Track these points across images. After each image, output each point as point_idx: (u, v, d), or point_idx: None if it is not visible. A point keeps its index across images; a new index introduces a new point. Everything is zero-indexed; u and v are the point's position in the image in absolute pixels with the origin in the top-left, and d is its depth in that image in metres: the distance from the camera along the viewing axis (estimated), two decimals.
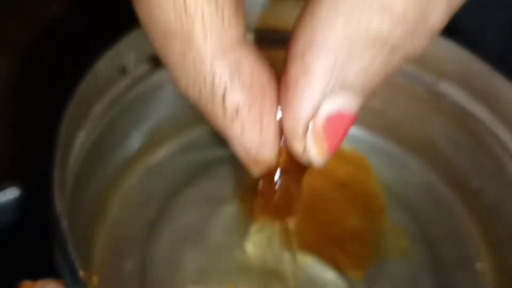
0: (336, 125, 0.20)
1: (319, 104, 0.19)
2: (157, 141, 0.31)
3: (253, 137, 0.21)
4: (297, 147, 0.21)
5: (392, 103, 0.34)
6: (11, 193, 0.33)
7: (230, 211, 0.31)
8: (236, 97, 0.20)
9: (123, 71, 0.28)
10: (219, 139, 0.33)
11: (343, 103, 0.20)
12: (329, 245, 0.31)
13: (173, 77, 0.20)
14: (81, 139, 0.26)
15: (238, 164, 0.32)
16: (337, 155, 0.34)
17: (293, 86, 0.20)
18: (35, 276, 0.24)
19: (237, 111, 0.20)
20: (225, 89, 0.20)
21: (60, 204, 0.21)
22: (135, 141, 0.31)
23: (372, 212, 0.33)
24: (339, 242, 0.31)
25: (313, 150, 0.21)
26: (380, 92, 0.33)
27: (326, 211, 0.33)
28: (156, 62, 0.29)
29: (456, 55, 0.31)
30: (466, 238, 0.32)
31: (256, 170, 0.22)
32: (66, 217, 0.22)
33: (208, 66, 0.19)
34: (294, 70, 0.20)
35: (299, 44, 0.19)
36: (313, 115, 0.20)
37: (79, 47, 0.27)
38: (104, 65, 0.26)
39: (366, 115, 0.34)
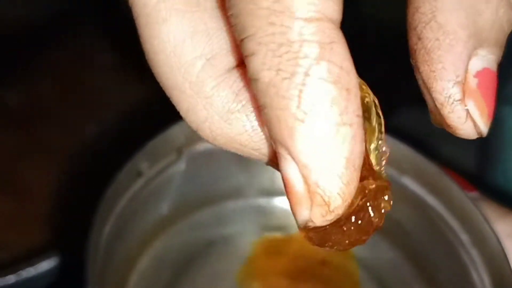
0: (487, 83, 0.19)
1: (467, 64, 0.18)
2: (166, 223, 0.38)
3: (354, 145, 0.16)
4: (456, 117, 0.18)
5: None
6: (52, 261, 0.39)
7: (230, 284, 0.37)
8: (320, 87, 0.15)
9: (139, 174, 0.34)
10: (221, 219, 0.40)
11: (486, 58, 0.19)
12: None
13: (248, 48, 0.16)
14: (107, 232, 0.32)
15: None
16: None
17: (437, 51, 0.18)
18: None
19: (313, 106, 0.16)
20: (307, 72, 0.15)
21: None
22: (148, 225, 0.37)
23: (348, 285, 0.38)
24: None
25: (476, 112, 0.19)
26: None
27: (310, 284, 0.38)
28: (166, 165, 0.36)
29: (412, 156, 0.36)
30: None
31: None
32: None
33: (296, 28, 0.15)
34: (431, 35, 0.18)
35: (426, 8, 0.18)
36: (464, 77, 0.18)
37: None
38: (124, 174, 0.33)
39: None
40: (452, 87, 0.18)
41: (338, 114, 0.15)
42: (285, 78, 0.15)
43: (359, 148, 0.16)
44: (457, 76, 0.18)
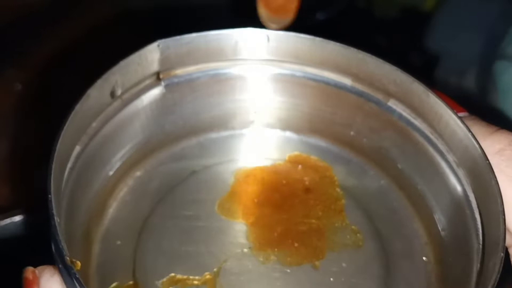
0: None
1: None
2: (146, 153, 0.35)
3: None
4: None
5: (352, 120, 0.38)
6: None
7: (209, 211, 0.35)
8: None
9: (112, 94, 0.32)
10: (204, 150, 0.38)
11: None
12: (292, 239, 0.35)
13: None
14: (77, 152, 0.30)
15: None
16: (304, 164, 0.38)
17: None
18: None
19: None
20: None
21: (53, 204, 0.25)
22: (127, 152, 0.34)
23: (332, 212, 0.36)
24: (302, 237, 0.35)
25: None
26: (341, 108, 0.37)
27: (293, 212, 0.36)
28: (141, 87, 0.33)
29: (399, 77, 0.34)
30: (413, 234, 0.35)
31: None
32: (62, 215, 0.26)
33: None
34: None
35: None
36: None
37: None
38: (96, 90, 0.30)
39: (330, 130, 0.38)
40: None
41: None
42: None
43: None
44: None
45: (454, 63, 0.67)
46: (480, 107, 0.54)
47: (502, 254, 0.26)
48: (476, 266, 0.29)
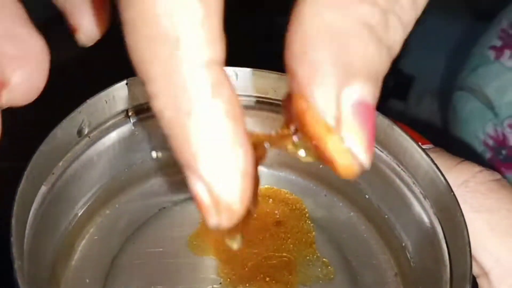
0: (362, 114, 0.19)
1: (338, 98, 0.18)
2: (114, 190, 0.35)
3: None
4: (334, 150, 0.19)
5: None
6: None
7: (180, 249, 0.34)
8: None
9: (79, 132, 0.31)
10: (173, 187, 0.37)
11: (359, 92, 0.19)
12: (264, 274, 0.34)
13: (151, 92, 0.18)
14: (43, 192, 0.29)
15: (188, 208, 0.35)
16: (275, 198, 0.38)
17: (309, 87, 0.18)
18: None
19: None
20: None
21: (14, 247, 0.24)
22: (95, 190, 0.34)
23: (303, 245, 0.36)
24: (273, 271, 0.34)
25: (353, 143, 0.19)
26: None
27: (264, 246, 0.36)
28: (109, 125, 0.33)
29: None
30: (383, 265, 0.35)
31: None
32: (25, 258, 0.26)
33: (189, 70, 0.18)
34: (303, 72, 0.18)
35: (297, 45, 0.19)
36: (337, 109, 0.18)
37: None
38: (62, 130, 0.30)
39: (299, 164, 0.38)
40: (327, 118, 0.19)
41: (231, 138, 0.18)
42: (186, 114, 0.18)
43: (250, 162, 0.19)
44: (330, 109, 0.18)
45: (428, 84, 0.68)
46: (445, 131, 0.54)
47: (469, 286, 0.26)
48: None
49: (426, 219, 0.32)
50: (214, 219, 0.20)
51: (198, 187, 0.19)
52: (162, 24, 0.17)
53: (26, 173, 0.27)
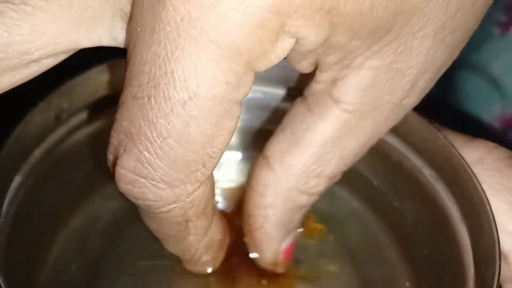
0: (290, 250, 0.29)
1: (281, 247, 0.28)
2: (95, 186, 0.31)
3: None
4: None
5: None
6: None
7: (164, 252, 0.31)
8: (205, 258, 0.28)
9: (57, 118, 0.28)
10: None
11: (293, 237, 0.29)
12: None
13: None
14: (17, 183, 0.26)
15: None
16: None
17: (259, 246, 0.28)
18: None
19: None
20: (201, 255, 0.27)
21: None
22: (75, 184, 0.30)
23: (304, 240, 0.33)
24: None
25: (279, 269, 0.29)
26: None
27: None
28: (90, 112, 0.30)
29: None
30: (392, 259, 0.32)
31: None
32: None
33: (194, 249, 0.26)
34: (256, 236, 0.28)
35: (258, 221, 0.27)
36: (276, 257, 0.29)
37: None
38: (39, 114, 0.26)
39: None
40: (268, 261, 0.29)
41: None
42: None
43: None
44: (272, 255, 0.28)
45: None
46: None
47: (499, 262, 0.23)
48: (470, 284, 0.26)
49: (440, 203, 0.30)
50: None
51: None
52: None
53: None
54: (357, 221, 0.34)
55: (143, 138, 0.20)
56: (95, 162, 0.31)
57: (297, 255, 0.32)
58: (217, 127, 0.20)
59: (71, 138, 0.29)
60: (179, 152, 0.20)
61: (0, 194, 0.24)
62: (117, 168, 0.21)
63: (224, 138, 0.20)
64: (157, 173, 0.20)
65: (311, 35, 0.20)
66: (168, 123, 0.19)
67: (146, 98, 0.19)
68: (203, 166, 0.21)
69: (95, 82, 0.29)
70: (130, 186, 0.21)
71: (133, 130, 0.20)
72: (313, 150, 0.25)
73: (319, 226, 0.33)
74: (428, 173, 0.31)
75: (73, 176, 0.30)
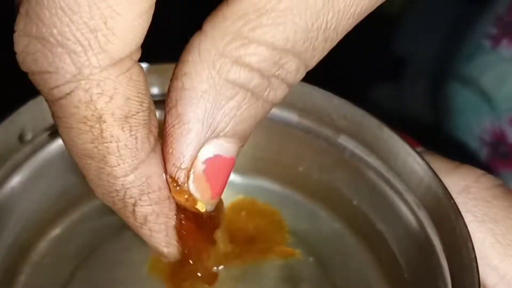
0: (216, 169, 0.21)
1: (196, 152, 0.20)
2: (66, 206, 0.30)
3: (159, 238, 0.22)
4: (180, 197, 0.21)
5: (300, 158, 0.34)
6: None
7: (139, 274, 0.30)
8: (144, 210, 0.21)
9: (21, 139, 0.26)
10: None
11: (219, 148, 0.20)
12: None
13: (91, 187, 0.21)
14: None
15: None
16: (249, 210, 0.34)
17: (170, 138, 0.20)
18: None
19: (145, 219, 0.21)
20: (134, 204, 0.21)
21: None
22: (42, 206, 0.29)
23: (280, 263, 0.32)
24: None
25: (197, 193, 0.21)
26: (288, 146, 0.33)
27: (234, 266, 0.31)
28: (53, 132, 0.28)
29: (349, 111, 0.31)
30: (373, 283, 0.31)
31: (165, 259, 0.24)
32: None
33: (119, 184, 0.20)
34: (170, 121, 0.20)
35: (173, 96, 0.20)
36: (192, 163, 0.20)
37: None
38: (1, 134, 0.25)
39: (276, 170, 0.34)
40: (177, 171, 0.20)
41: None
42: (120, 208, 0.22)
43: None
44: (182, 163, 0.20)
45: (421, 66, 0.64)
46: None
47: None
48: None
49: (420, 231, 0.29)
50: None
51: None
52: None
53: None
54: (337, 242, 0.32)
55: None
56: (65, 181, 0.30)
57: (277, 275, 0.31)
58: None
59: (36, 157, 0.28)
60: None
61: None
62: (14, 35, 0.18)
63: None
64: (49, 30, 0.17)
65: None
66: None
67: None
68: (106, 27, 0.17)
69: None
70: (24, 54, 0.18)
71: None
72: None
73: (295, 251, 0.32)
74: (411, 199, 0.29)
75: (40, 198, 0.29)
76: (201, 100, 0.19)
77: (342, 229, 0.33)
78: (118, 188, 0.20)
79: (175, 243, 0.23)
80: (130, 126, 0.19)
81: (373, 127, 0.30)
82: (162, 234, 0.22)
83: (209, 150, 0.20)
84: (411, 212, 0.29)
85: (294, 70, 0.19)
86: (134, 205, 0.21)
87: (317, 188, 0.34)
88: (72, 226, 0.30)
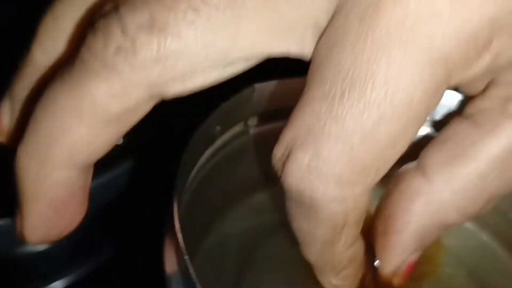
0: (411, 266, 0.26)
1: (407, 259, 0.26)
2: (236, 200, 0.32)
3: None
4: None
5: None
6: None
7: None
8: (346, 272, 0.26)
9: (212, 140, 0.29)
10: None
11: (417, 256, 0.26)
12: None
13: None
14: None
15: None
16: None
17: (389, 250, 0.26)
18: None
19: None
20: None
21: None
22: (217, 199, 0.31)
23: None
24: None
25: (395, 281, 0.27)
26: None
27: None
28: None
29: None
30: None
31: None
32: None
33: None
34: (391, 239, 0.25)
35: (395, 210, 0.25)
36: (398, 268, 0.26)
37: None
38: (200, 134, 0.27)
39: None
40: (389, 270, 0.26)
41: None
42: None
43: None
44: (397, 263, 0.26)
45: None
46: None
47: None
48: None
49: None
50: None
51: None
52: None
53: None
54: (488, 256, 0.33)
55: (326, 134, 0.19)
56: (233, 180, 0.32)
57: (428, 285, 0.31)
58: (403, 131, 0.20)
59: (218, 155, 0.30)
60: (359, 152, 0.20)
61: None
62: (289, 162, 0.20)
63: (404, 143, 0.20)
64: (332, 171, 0.20)
65: (508, 51, 0.20)
66: (358, 122, 0.19)
67: (338, 96, 0.19)
68: (376, 171, 0.20)
69: (248, 102, 0.30)
70: (298, 181, 0.20)
71: (317, 125, 0.20)
72: (475, 165, 0.23)
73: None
74: None
75: (215, 193, 0.31)
76: (421, 232, 0.25)
77: (491, 242, 0.33)
78: (334, 263, 0.24)
79: None
80: (359, 225, 0.23)
81: None
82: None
83: (413, 257, 0.26)
84: None
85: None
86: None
87: None
88: (236, 220, 0.31)
